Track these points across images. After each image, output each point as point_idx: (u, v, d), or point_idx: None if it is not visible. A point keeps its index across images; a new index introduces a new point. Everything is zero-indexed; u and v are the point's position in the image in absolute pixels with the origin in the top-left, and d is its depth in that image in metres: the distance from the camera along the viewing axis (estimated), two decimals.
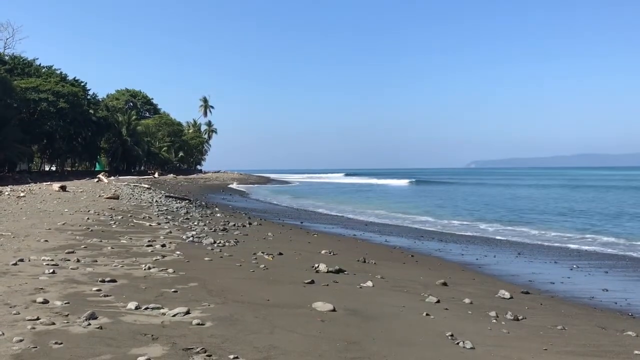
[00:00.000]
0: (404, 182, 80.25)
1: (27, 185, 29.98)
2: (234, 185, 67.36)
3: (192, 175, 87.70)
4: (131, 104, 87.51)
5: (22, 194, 22.08)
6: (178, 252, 9.57)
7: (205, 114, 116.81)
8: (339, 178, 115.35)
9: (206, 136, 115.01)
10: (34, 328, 4.64)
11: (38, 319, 4.88)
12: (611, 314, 7.68)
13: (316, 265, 9.09)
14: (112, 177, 48.38)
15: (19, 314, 5.04)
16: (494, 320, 6.31)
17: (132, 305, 5.56)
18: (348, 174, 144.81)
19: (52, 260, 7.96)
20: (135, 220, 14.97)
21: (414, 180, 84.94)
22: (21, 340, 4.30)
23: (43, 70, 52.85)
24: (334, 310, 6.02)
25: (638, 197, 41.87)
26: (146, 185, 38.78)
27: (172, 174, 75.48)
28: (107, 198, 22.71)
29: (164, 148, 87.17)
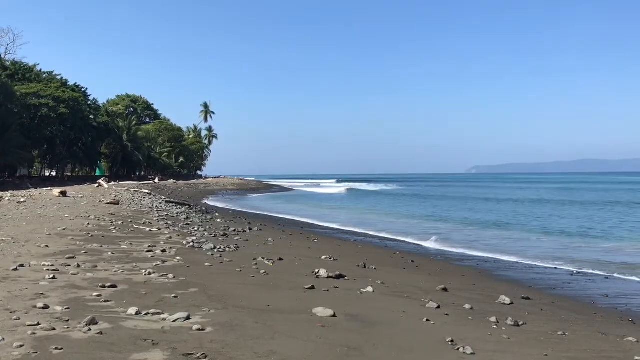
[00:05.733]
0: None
1: (28, 191, 29.98)
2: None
3: (193, 181, 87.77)
4: (131, 109, 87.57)
5: (22, 200, 22.08)
6: (178, 258, 9.57)
7: (205, 119, 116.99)
8: (335, 185, 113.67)
9: (206, 141, 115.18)
10: (34, 333, 4.64)
11: (38, 324, 4.87)
12: (612, 320, 7.68)
13: (316, 270, 9.08)
14: (113, 183, 48.40)
15: (19, 319, 5.04)
16: (495, 326, 6.31)
17: (132, 310, 5.55)
18: (341, 180, 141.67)
19: (52, 265, 7.96)
20: (135, 226, 14.97)
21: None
22: (21, 346, 4.30)
23: (44, 75, 52.97)
24: (334, 315, 6.02)
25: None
26: (146, 191, 38.78)
27: (172, 180, 75.55)
28: (108, 203, 22.72)
29: (165, 153, 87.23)
